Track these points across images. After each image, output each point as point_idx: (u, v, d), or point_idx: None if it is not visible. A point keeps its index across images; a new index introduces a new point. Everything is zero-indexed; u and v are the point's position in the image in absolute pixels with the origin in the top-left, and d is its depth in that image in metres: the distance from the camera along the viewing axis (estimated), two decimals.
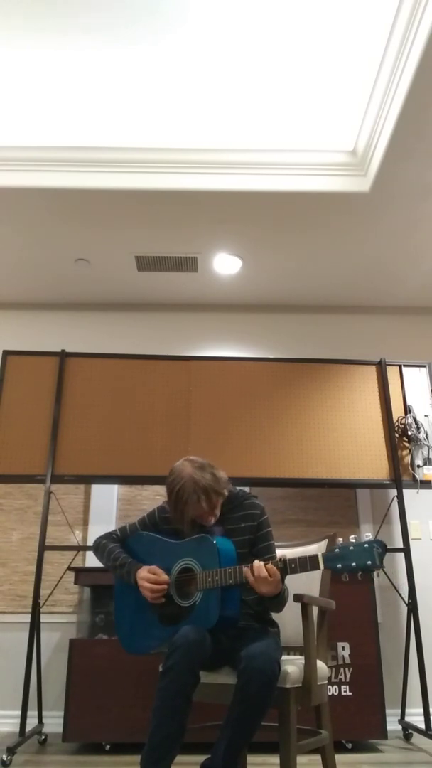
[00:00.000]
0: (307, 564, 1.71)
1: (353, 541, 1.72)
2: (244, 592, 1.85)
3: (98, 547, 2.06)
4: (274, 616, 2.00)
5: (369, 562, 1.63)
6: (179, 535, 2.00)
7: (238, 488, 2.08)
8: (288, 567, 1.74)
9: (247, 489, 2.19)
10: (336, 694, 2.85)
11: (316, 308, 4.36)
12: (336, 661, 2.90)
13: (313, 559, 1.71)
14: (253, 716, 1.61)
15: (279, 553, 1.99)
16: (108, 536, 2.09)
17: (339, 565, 1.67)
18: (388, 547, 3.42)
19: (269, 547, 1.97)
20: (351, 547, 1.68)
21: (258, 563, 1.74)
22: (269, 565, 1.73)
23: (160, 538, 2.02)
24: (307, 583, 2.04)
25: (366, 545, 1.65)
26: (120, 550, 2.02)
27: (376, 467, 3.36)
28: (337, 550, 1.70)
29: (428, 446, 3.40)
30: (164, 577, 1.89)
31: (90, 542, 3.63)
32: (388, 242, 3.62)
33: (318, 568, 1.70)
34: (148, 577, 1.88)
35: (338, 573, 1.71)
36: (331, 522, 3.79)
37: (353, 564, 1.65)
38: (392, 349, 3.95)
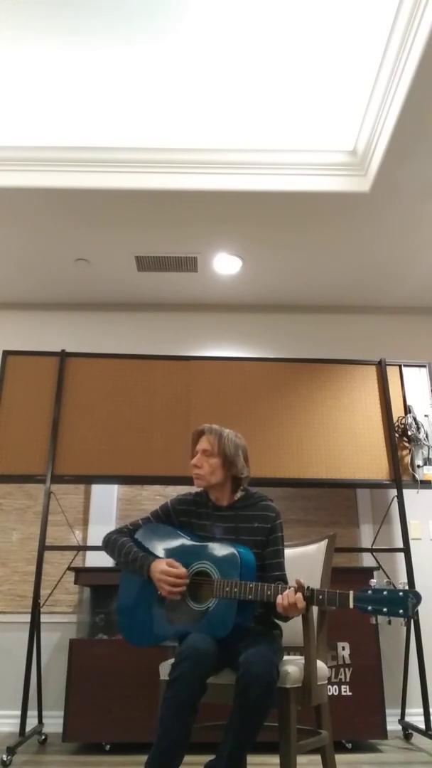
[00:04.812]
0: (336, 600, 1.70)
1: (388, 586, 1.68)
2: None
3: (108, 543, 2.01)
4: None
5: (401, 611, 1.61)
6: (193, 530, 2.00)
7: (254, 490, 2.10)
8: (315, 598, 1.73)
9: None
10: (336, 694, 2.85)
11: (316, 308, 4.36)
12: (336, 661, 2.90)
13: (344, 596, 1.69)
14: (253, 721, 1.61)
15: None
16: (119, 531, 2.05)
17: (369, 608, 1.64)
18: (388, 547, 3.44)
19: (277, 552, 1.96)
20: (385, 592, 1.65)
21: (288, 591, 1.72)
22: (298, 594, 1.71)
23: (179, 534, 1.98)
24: (307, 583, 2.03)
25: (401, 593, 1.62)
26: (132, 543, 1.97)
27: (376, 467, 3.35)
28: (369, 592, 1.67)
29: (428, 446, 3.40)
30: (183, 570, 1.85)
31: (90, 542, 3.63)
32: (388, 242, 3.62)
33: (347, 605, 1.68)
34: (168, 571, 1.84)
35: (366, 614, 1.69)
36: (331, 522, 3.79)
37: (384, 609, 1.63)
38: (392, 349, 3.95)
